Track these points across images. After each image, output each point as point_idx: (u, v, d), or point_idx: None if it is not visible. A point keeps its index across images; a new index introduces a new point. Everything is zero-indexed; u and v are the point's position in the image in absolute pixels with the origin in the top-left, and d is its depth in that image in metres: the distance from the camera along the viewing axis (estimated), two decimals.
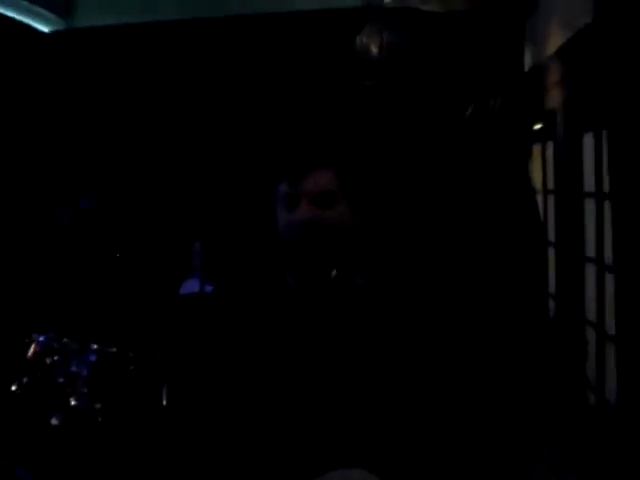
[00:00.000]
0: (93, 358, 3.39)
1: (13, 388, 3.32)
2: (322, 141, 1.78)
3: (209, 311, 1.86)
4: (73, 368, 3.36)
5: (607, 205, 3.17)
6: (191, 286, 4.31)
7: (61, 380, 3.35)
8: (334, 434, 1.62)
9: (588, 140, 3.44)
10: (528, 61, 4.53)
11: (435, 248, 3.26)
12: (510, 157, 3.80)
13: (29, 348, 3.38)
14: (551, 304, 4.09)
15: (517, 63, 4.55)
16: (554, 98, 3.72)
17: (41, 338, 3.40)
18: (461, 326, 3.03)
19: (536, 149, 4.51)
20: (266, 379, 1.67)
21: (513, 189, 3.60)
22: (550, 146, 4.12)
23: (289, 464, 1.61)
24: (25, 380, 3.33)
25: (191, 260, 4.60)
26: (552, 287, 4.06)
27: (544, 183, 4.37)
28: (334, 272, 1.68)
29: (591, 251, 3.41)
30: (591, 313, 3.42)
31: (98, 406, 3.33)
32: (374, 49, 3.74)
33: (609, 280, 3.16)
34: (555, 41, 3.70)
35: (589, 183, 3.43)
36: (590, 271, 3.45)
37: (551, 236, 4.07)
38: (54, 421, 3.25)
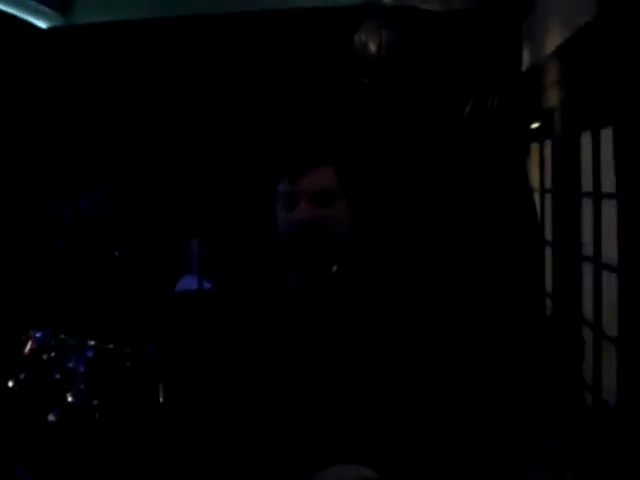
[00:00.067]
0: (90, 354, 3.39)
1: (10, 384, 3.31)
2: (321, 139, 1.79)
3: (206, 308, 1.86)
4: (70, 364, 3.36)
5: (605, 204, 3.17)
6: (187, 283, 4.31)
7: (58, 376, 3.34)
8: (333, 430, 1.62)
9: (586, 139, 3.44)
10: (526, 60, 4.53)
11: (433, 246, 3.27)
12: (508, 156, 3.81)
13: (26, 344, 3.37)
14: (548, 303, 4.09)
15: (515, 62, 4.55)
16: (552, 97, 3.73)
17: (38, 334, 3.39)
18: (459, 324, 3.04)
19: (534, 148, 4.51)
20: (265, 376, 1.67)
21: (510, 188, 3.60)
22: (548, 145, 4.12)
23: (288, 460, 1.62)
24: (22, 376, 3.32)
25: (188, 257, 4.60)
26: (549, 286, 4.06)
27: (542, 182, 4.37)
28: (334, 268, 1.68)
29: (588, 250, 3.41)
30: (588, 312, 3.43)
31: (95, 402, 3.32)
32: (373, 47, 3.74)
33: (606, 279, 3.16)
34: (553, 40, 3.70)
35: (587, 182, 3.43)
36: (587, 270, 3.46)
37: (548, 235, 4.07)
38: (51, 417, 3.25)
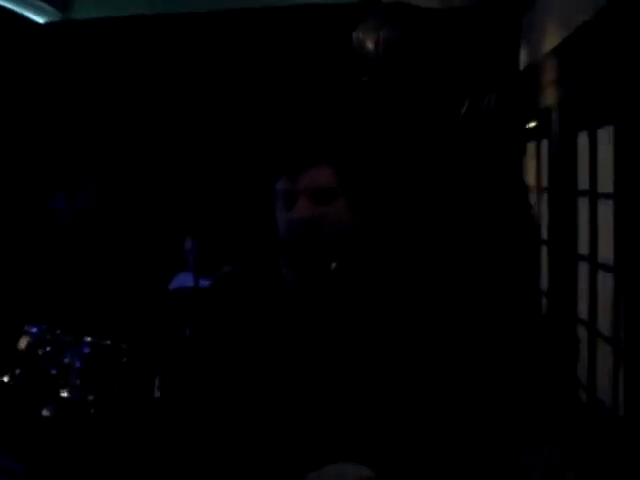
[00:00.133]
0: (86, 350, 3.39)
1: (5, 379, 3.31)
2: (320, 137, 1.78)
3: (205, 306, 1.85)
4: (66, 360, 3.36)
5: (601, 204, 3.18)
6: (183, 280, 4.31)
7: (54, 372, 3.35)
8: (331, 428, 1.62)
9: (583, 139, 3.45)
10: (524, 59, 4.53)
11: (430, 244, 3.27)
12: (504, 154, 3.82)
13: (22, 339, 3.38)
14: (544, 301, 4.10)
15: (513, 61, 4.55)
16: (549, 96, 3.73)
17: (34, 329, 3.39)
18: (456, 322, 3.04)
19: (530, 147, 4.51)
20: (264, 374, 1.67)
21: (507, 186, 3.61)
22: (545, 144, 4.13)
23: (285, 458, 1.62)
24: (17, 371, 3.33)
25: (184, 254, 4.59)
26: (545, 284, 4.07)
27: (538, 181, 4.37)
28: (333, 266, 1.68)
29: (584, 249, 3.42)
30: (583, 311, 3.43)
31: (90, 398, 3.33)
32: (371, 45, 3.75)
33: (602, 279, 3.17)
34: (551, 39, 3.71)
35: (583, 182, 3.43)
36: (583, 269, 3.46)
37: (544, 234, 4.08)
38: (46, 412, 3.25)
